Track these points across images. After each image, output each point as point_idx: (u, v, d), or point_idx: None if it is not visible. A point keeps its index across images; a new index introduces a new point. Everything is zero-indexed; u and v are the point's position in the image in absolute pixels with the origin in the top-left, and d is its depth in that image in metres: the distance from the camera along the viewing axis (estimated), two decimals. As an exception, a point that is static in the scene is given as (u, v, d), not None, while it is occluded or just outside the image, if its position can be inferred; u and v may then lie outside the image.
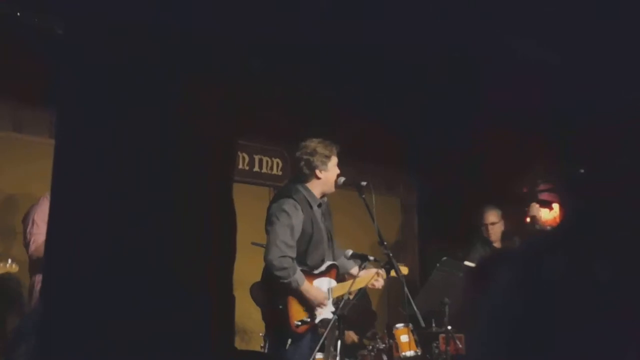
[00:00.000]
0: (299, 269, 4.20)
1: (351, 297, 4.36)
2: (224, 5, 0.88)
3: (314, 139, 4.45)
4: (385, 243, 4.38)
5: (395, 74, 5.65)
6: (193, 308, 0.88)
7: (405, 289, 4.32)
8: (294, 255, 4.18)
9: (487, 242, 5.75)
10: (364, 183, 4.46)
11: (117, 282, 0.86)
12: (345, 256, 4.54)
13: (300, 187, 4.38)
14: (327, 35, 4.70)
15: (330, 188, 4.46)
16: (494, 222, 5.77)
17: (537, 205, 7.64)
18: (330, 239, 4.51)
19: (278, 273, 4.11)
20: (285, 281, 4.13)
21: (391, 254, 4.41)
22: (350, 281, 4.43)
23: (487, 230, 5.75)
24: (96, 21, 0.84)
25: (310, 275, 4.33)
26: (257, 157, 6.66)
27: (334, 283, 4.41)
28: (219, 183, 0.93)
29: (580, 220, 1.10)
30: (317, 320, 4.29)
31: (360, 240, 5.48)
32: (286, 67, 5.34)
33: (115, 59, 0.84)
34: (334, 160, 4.43)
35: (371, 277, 4.40)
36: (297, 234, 4.21)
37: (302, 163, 4.40)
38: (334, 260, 4.53)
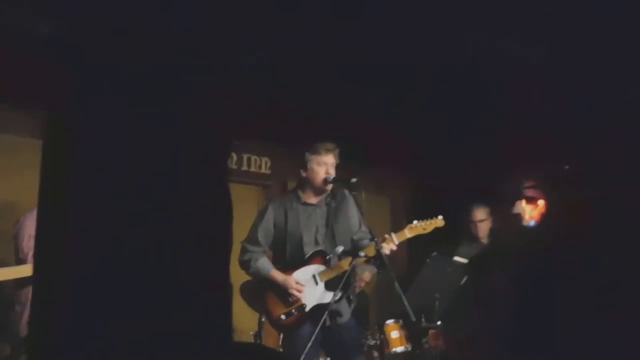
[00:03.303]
0: (263, 258, 4.37)
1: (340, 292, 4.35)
2: (224, 5, 0.88)
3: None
4: (375, 239, 4.40)
5: (389, 77, 5.66)
6: (193, 308, 0.87)
7: (396, 284, 4.34)
8: (257, 249, 4.37)
9: (475, 238, 5.77)
10: (353, 180, 4.49)
11: (117, 282, 0.85)
12: (336, 253, 4.56)
13: (293, 189, 4.63)
14: (326, 37, 4.72)
15: (319, 187, 4.52)
16: (482, 220, 5.79)
17: (524, 202, 7.66)
18: (331, 232, 4.52)
19: (240, 263, 4.36)
20: (250, 270, 4.34)
21: (381, 250, 4.43)
22: (342, 262, 4.44)
23: (475, 227, 5.77)
24: (96, 21, 0.83)
25: (288, 270, 4.36)
26: (245, 156, 6.63)
27: (321, 268, 4.41)
28: (218, 182, 0.93)
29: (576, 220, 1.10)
30: (307, 309, 4.28)
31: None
32: (283, 68, 5.34)
33: (114, 60, 0.84)
34: (317, 159, 4.50)
35: (351, 262, 4.42)
36: (265, 231, 4.41)
37: (298, 165, 4.59)
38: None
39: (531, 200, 7.91)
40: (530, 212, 8.22)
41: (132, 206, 0.85)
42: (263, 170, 6.77)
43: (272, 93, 5.50)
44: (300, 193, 4.55)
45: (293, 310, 4.27)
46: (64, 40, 0.86)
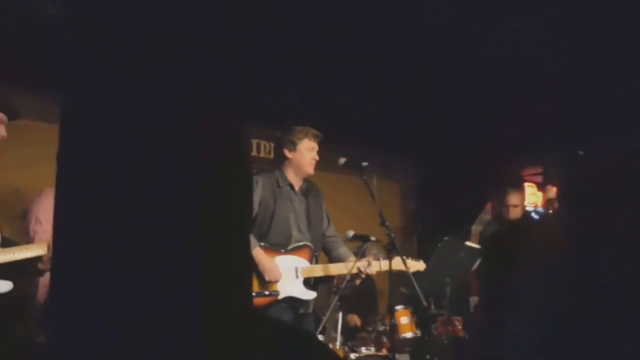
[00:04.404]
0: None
1: (343, 282, 4.35)
2: (224, 5, 0.88)
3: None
4: (387, 224, 4.40)
5: (396, 71, 5.65)
6: (193, 307, 0.87)
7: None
8: None
9: (505, 222, 5.77)
10: (365, 164, 4.50)
11: (117, 282, 0.85)
12: (347, 237, 4.57)
13: (276, 169, 4.57)
14: (327, 37, 4.70)
15: (305, 171, 4.52)
16: (516, 205, 5.79)
17: (534, 187, 7.61)
18: (309, 223, 4.50)
19: None
20: None
21: (393, 235, 4.44)
22: (325, 265, 4.45)
23: (507, 211, 5.76)
24: (96, 21, 0.83)
25: (273, 251, 4.32)
26: (254, 142, 6.62)
27: (305, 263, 4.39)
28: (228, 177, 0.93)
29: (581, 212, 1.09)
30: (280, 297, 4.26)
31: (361, 222, 5.48)
32: (283, 67, 5.34)
33: (118, 59, 0.84)
34: (307, 143, 4.50)
35: (351, 267, 4.38)
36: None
37: (278, 144, 4.61)
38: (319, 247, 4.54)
39: (542, 185, 7.87)
40: (537, 197, 8.18)
41: (132, 206, 0.85)
42: (262, 154, 6.76)
43: (273, 92, 5.51)
44: (285, 174, 4.54)
45: (266, 292, 4.20)
46: (64, 39, 0.86)
